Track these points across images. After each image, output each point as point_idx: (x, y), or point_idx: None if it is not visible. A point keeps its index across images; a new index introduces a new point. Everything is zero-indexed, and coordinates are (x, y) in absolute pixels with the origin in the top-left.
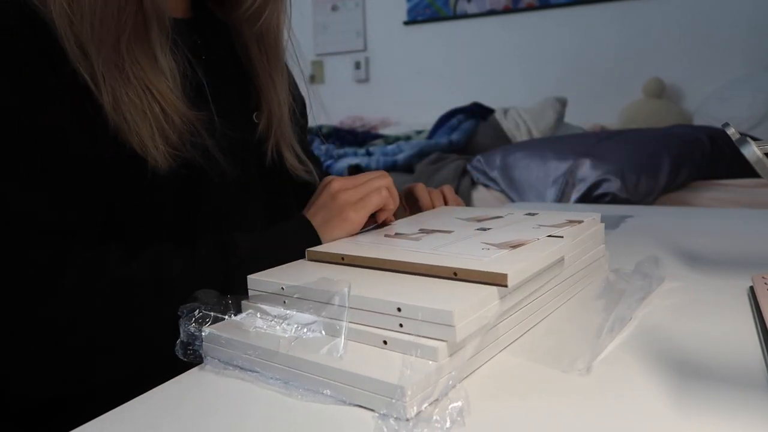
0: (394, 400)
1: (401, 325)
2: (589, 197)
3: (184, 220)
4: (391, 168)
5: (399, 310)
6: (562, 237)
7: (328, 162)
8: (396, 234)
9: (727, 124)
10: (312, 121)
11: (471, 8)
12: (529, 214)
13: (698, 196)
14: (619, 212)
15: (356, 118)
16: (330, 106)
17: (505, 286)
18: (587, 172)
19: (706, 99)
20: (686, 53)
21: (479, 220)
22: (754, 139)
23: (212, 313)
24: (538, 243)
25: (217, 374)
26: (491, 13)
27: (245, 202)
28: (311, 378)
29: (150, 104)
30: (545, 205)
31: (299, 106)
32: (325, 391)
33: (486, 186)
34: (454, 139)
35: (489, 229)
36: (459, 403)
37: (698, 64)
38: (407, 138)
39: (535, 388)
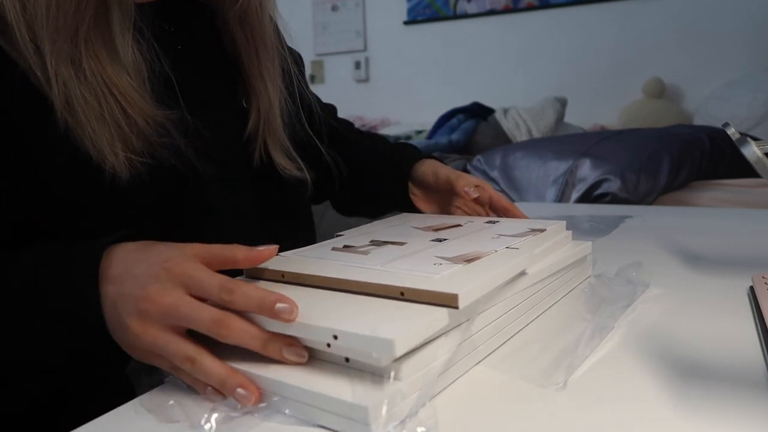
0: (358, 422)
1: (347, 360)
2: (589, 197)
3: (167, 226)
4: None
5: (335, 338)
6: (518, 248)
7: None
8: (344, 247)
9: (727, 124)
10: None
11: (471, 8)
12: (490, 221)
13: (698, 196)
14: (618, 212)
15: (356, 118)
16: None
17: (456, 307)
18: (587, 172)
19: (706, 99)
20: (686, 53)
21: (436, 230)
22: (754, 139)
23: None
24: (495, 256)
25: (177, 391)
26: (491, 13)
27: (234, 201)
28: (271, 396)
29: (109, 105)
30: (545, 205)
31: (307, 89)
32: (285, 411)
33: None
34: (454, 139)
35: (445, 240)
36: (427, 426)
37: (698, 64)
38: (407, 138)
39: (511, 406)
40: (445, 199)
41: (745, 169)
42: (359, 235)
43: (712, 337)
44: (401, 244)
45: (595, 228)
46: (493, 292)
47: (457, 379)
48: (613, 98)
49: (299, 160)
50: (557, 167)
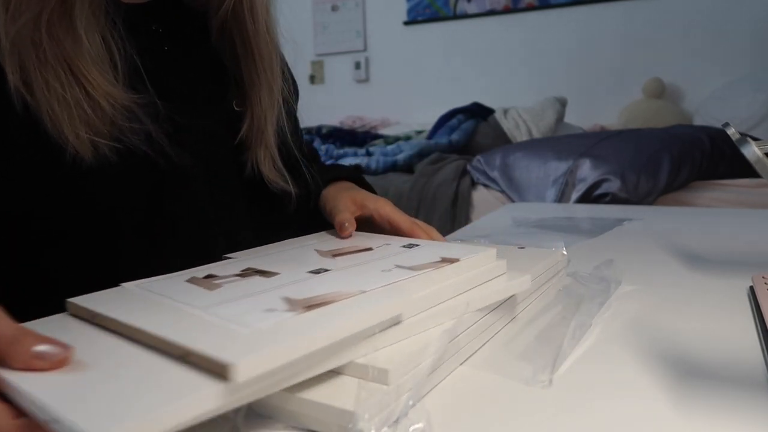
0: (349, 426)
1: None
2: (588, 197)
3: (146, 215)
4: (391, 168)
5: (56, 421)
6: (399, 289)
7: (328, 162)
8: (206, 276)
9: (727, 124)
10: (313, 121)
11: (471, 8)
12: (409, 245)
13: (698, 196)
14: (618, 213)
15: (356, 118)
16: (330, 106)
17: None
18: (587, 172)
19: (706, 99)
20: (686, 53)
21: (336, 255)
22: (754, 139)
23: None
24: (352, 301)
25: None
26: (491, 13)
27: (222, 200)
28: (260, 402)
29: (71, 86)
30: (545, 206)
31: (291, 98)
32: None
33: (486, 186)
34: (454, 139)
35: (327, 271)
36: (421, 425)
37: (698, 64)
38: (407, 138)
39: (500, 403)
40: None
41: (745, 169)
42: (246, 258)
43: (712, 337)
44: (272, 274)
45: (593, 229)
46: (276, 370)
47: (443, 380)
48: (613, 98)
49: (285, 172)
50: (557, 167)
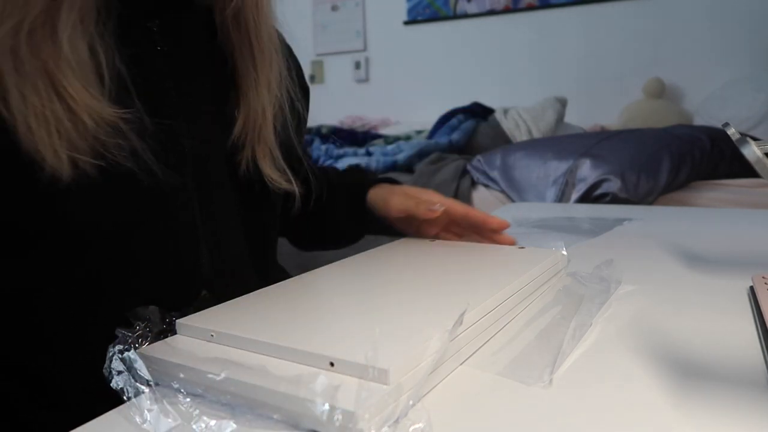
0: (349, 426)
1: (332, 364)
2: (588, 197)
3: (127, 233)
4: (391, 168)
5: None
6: None
7: (328, 162)
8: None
9: (727, 124)
10: (313, 121)
11: (471, 8)
12: None
13: (698, 196)
14: (618, 213)
15: (356, 118)
16: (330, 106)
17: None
18: (587, 172)
19: (706, 99)
20: (686, 53)
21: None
22: (754, 139)
23: (150, 333)
24: None
25: (155, 400)
26: (491, 13)
27: (207, 207)
28: (259, 402)
29: (50, 100)
30: (545, 206)
31: (299, 98)
32: (274, 416)
33: (486, 186)
34: (454, 139)
35: None
36: (421, 425)
37: (698, 64)
38: (407, 138)
39: (500, 403)
40: (412, 224)
41: (745, 169)
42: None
43: (712, 337)
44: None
45: (593, 229)
46: None
47: (443, 380)
48: (613, 98)
49: (287, 171)
50: (557, 167)
